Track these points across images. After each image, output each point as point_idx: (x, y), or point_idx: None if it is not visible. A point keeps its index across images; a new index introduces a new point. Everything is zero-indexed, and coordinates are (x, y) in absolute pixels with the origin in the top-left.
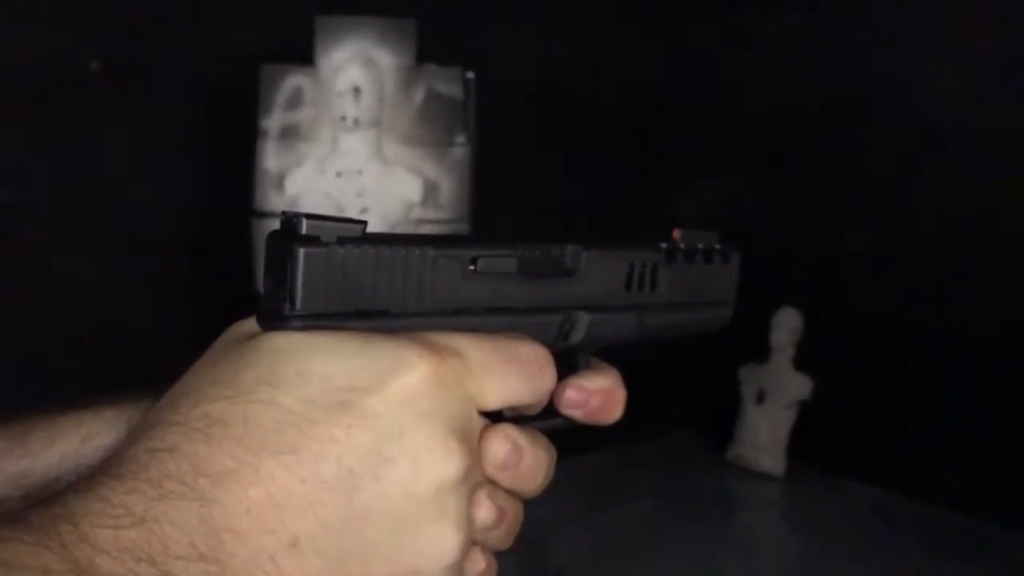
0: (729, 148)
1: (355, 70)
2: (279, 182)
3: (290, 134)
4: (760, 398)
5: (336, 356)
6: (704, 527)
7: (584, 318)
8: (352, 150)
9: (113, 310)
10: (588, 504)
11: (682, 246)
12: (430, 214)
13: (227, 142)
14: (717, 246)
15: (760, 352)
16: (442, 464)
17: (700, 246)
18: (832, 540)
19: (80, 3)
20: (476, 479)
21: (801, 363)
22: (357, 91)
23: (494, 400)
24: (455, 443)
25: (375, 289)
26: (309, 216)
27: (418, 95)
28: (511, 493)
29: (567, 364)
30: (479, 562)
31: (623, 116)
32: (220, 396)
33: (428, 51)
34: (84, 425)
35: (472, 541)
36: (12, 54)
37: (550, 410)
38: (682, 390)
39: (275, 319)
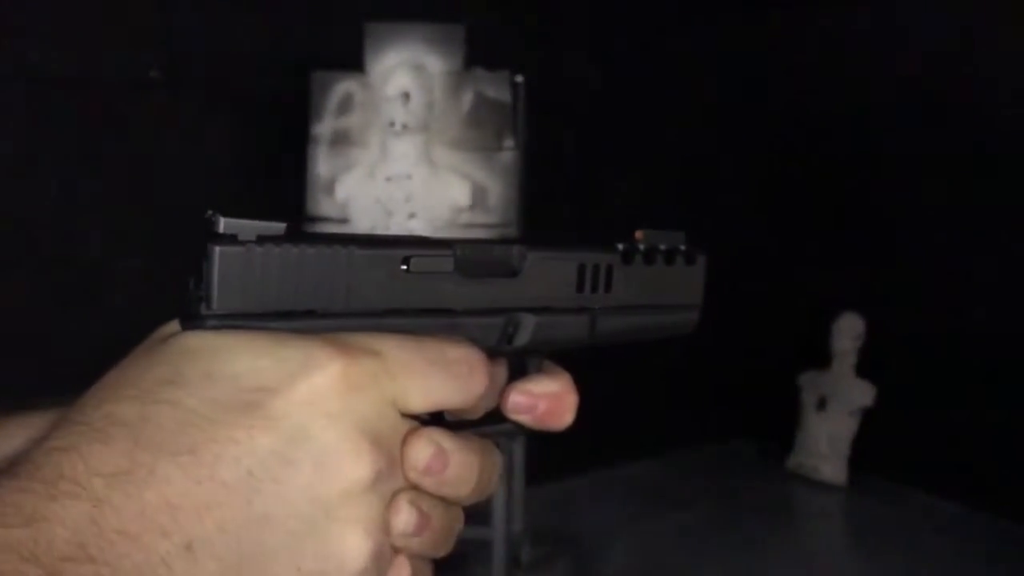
0: (786, 151)
1: (404, 76)
2: (330, 187)
3: (340, 140)
4: (821, 405)
5: (245, 356)
6: (762, 537)
7: (530, 320)
8: (401, 155)
9: (170, 313)
10: (642, 511)
11: (642, 247)
12: (479, 218)
13: (279, 147)
14: (682, 247)
15: (821, 358)
16: (349, 467)
17: (662, 247)
18: (895, 553)
19: (141, 16)
20: (395, 484)
21: (863, 369)
22: (406, 96)
23: (418, 402)
24: (365, 445)
25: (298, 289)
26: (228, 213)
27: (467, 100)
28: (441, 499)
29: (518, 368)
30: (403, 569)
31: (675, 118)
32: (124, 396)
33: (477, 56)
34: (31, 427)
35: (394, 548)
36: (78, 62)
37: (499, 415)
38: (741, 397)
39: (192, 319)
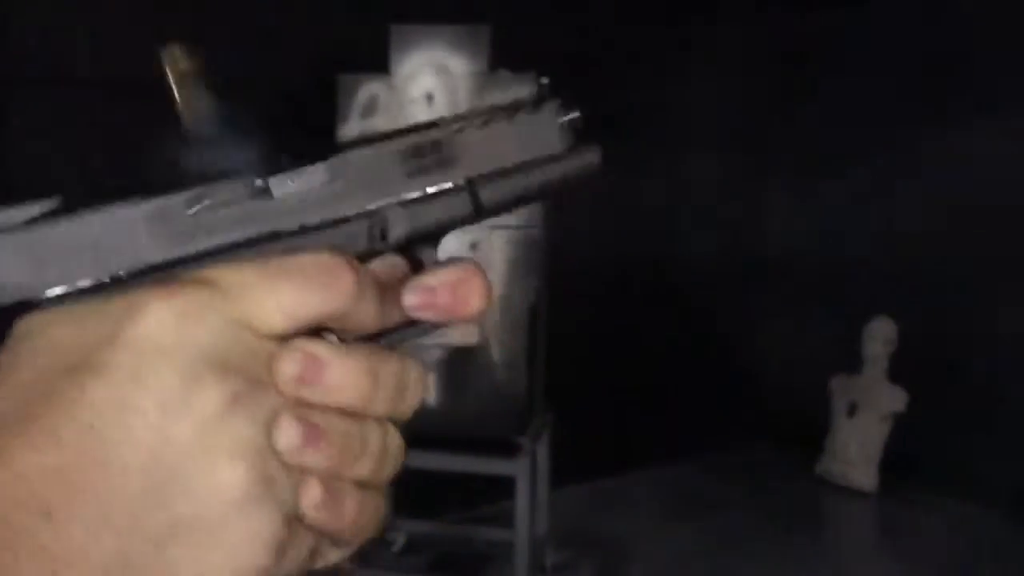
0: (821, 153)
1: (428, 77)
2: None
3: None
4: (852, 411)
5: (67, 323)
6: (790, 542)
7: (399, 212)
8: None
9: None
10: (669, 515)
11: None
12: (502, 220)
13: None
14: (527, 98)
15: (852, 363)
16: (196, 398)
17: (499, 104)
18: (925, 560)
19: (166, 16)
20: (271, 404)
21: (895, 375)
22: (430, 98)
23: (274, 319)
24: (208, 373)
25: (85, 261)
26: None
27: (491, 101)
28: (339, 411)
29: (415, 265)
30: (311, 490)
31: (705, 117)
32: None
33: (502, 57)
34: None
35: (295, 470)
36: (103, 63)
37: (407, 321)
38: (770, 401)
39: (31, 307)
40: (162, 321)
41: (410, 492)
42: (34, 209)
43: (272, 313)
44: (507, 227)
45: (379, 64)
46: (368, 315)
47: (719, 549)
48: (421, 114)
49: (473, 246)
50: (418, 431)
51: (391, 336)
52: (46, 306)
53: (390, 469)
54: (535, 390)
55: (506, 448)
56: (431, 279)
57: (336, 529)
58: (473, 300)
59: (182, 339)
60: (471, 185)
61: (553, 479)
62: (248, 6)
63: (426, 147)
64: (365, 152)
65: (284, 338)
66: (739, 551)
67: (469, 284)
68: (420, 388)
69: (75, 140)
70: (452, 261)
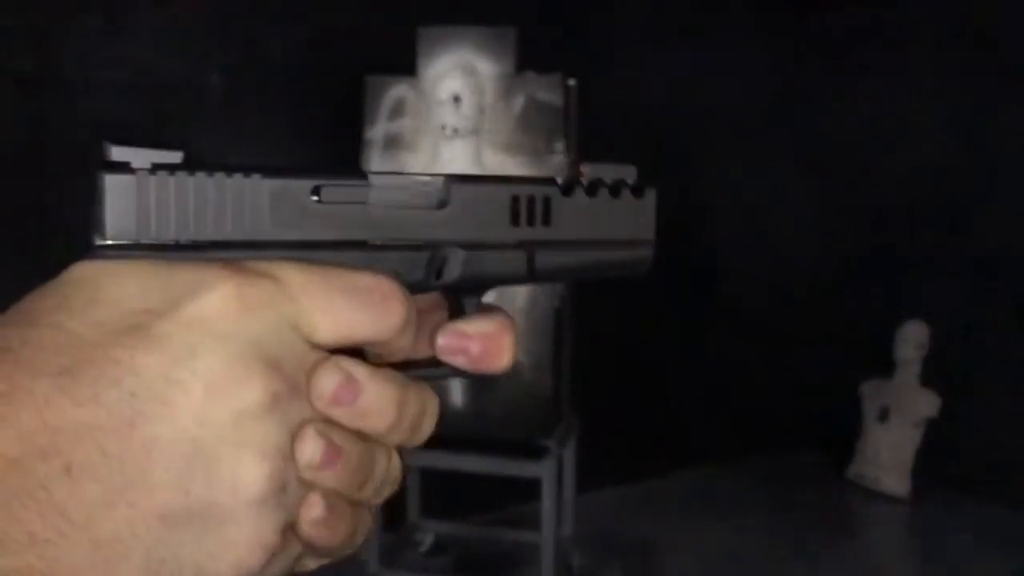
0: (853, 159)
1: (455, 79)
2: None
3: (393, 144)
4: (883, 415)
5: (132, 280)
6: (820, 547)
7: (458, 254)
8: (452, 159)
9: None
10: (697, 519)
11: (584, 181)
12: None
13: (334, 152)
14: (629, 181)
15: (884, 367)
16: (241, 388)
17: (607, 180)
18: (959, 567)
19: (203, 24)
20: (301, 412)
21: (928, 379)
22: (457, 100)
23: (324, 330)
24: (259, 367)
25: (197, 219)
26: (118, 141)
27: (517, 103)
28: (359, 434)
29: (456, 308)
30: (315, 506)
31: (735, 119)
32: (10, 322)
33: (529, 59)
34: None
35: (305, 483)
36: (144, 67)
37: (436, 358)
38: (801, 405)
39: (88, 250)
40: (227, 305)
41: (438, 493)
42: (159, 155)
43: (326, 325)
44: None
45: (406, 66)
46: (404, 347)
47: (747, 553)
48: (448, 116)
49: None
50: (445, 432)
51: (414, 368)
52: (106, 253)
53: (387, 493)
54: (561, 393)
55: (532, 450)
56: (468, 327)
57: (326, 545)
58: (502, 356)
59: (241, 327)
60: (530, 247)
61: (580, 482)
62: (273, 5)
63: (536, 201)
64: (476, 186)
65: (328, 350)
66: (767, 555)
67: (501, 340)
68: (433, 424)
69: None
70: (490, 311)
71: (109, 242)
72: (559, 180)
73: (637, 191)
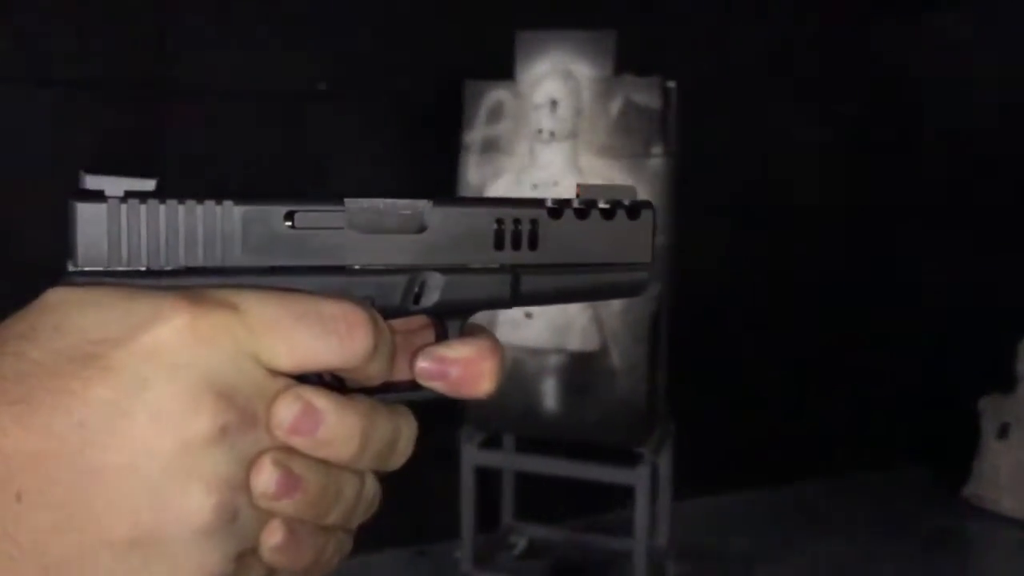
0: (967, 167)
1: (553, 83)
2: (479, 194)
3: (490, 147)
4: (1003, 432)
5: (95, 309)
6: (930, 568)
7: (437, 278)
8: (548, 162)
9: None
10: (800, 534)
11: (576, 203)
12: None
13: (434, 156)
14: (626, 202)
15: (1004, 382)
16: (188, 420)
17: (600, 202)
18: None
19: (310, 32)
20: (258, 442)
21: None
22: (554, 104)
23: (284, 360)
24: (208, 398)
25: (170, 247)
26: (91, 170)
27: (615, 106)
28: (323, 462)
29: (441, 331)
30: (274, 534)
31: (845, 120)
32: None
33: (628, 62)
34: None
35: (262, 511)
36: (255, 75)
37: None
38: (915, 420)
39: (62, 276)
40: (181, 336)
41: (532, 496)
42: (132, 184)
43: (284, 354)
44: None
45: (505, 70)
46: (376, 373)
47: (850, 571)
48: (544, 120)
49: None
50: (538, 436)
51: (393, 392)
52: (77, 280)
53: (361, 516)
54: (656, 399)
55: (627, 457)
56: (447, 351)
57: (292, 569)
58: (483, 382)
59: (194, 359)
60: (515, 271)
61: (677, 491)
62: (375, 13)
63: (522, 224)
64: (458, 210)
65: (296, 377)
66: (872, 574)
67: (481, 365)
68: (410, 448)
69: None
70: (473, 335)
71: (81, 269)
72: (549, 202)
73: (633, 213)
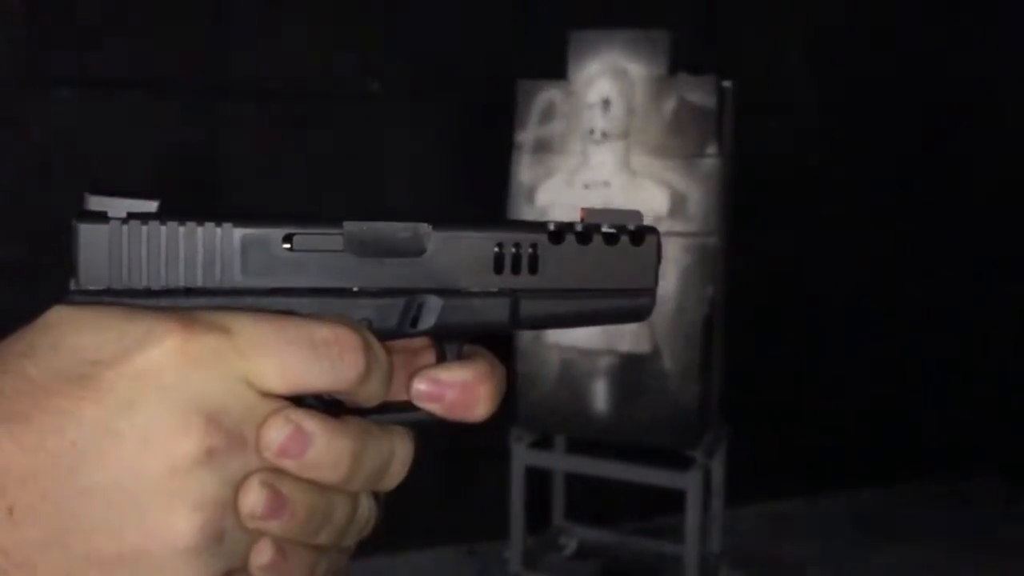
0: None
1: (605, 82)
2: (531, 194)
3: (542, 147)
4: None
5: (91, 329)
6: None
7: (435, 302)
8: (600, 162)
9: None
10: (860, 543)
11: (579, 227)
12: (678, 226)
13: (487, 155)
14: (631, 227)
15: None
16: (175, 442)
17: (603, 227)
18: None
19: (363, 31)
20: (245, 463)
21: None
22: (606, 103)
23: (275, 383)
24: (196, 421)
25: (170, 266)
26: (97, 191)
27: (669, 106)
28: (312, 483)
29: (440, 353)
30: (262, 553)
31: (902, 120)
32: None
33: (683, 61)
34: None
35: (250, 531)
36: (309, 75)
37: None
38: (989, 426)
39: (65, 295)
40: (171, 359)
41: (584, 498)
42: (135, 205)
43: (275, 377)
44: (683, 234)
45: (558, 70)
46: (370, 395)
47: None
48: (597, 119)
49: None
50: (589, 437)
51: (389, 412)
52: (78, 299)
53: (354, 537)
54: (709, 402)
55: (679, 460)
56: (444, 374)
57: None
58: (478, 406)
59: (183, 382)
60: (514, 295)
61: (731, 497)
62: (428, 13)
63: (522, 249)
64: (458, 234)
65: (285, 397)
66: None
67: (477, 389)
68: (406, 467)
69: (287, 149)
70: (471, 358)
71: (82, 288)
72: (550, 227)
73: (636, 238)
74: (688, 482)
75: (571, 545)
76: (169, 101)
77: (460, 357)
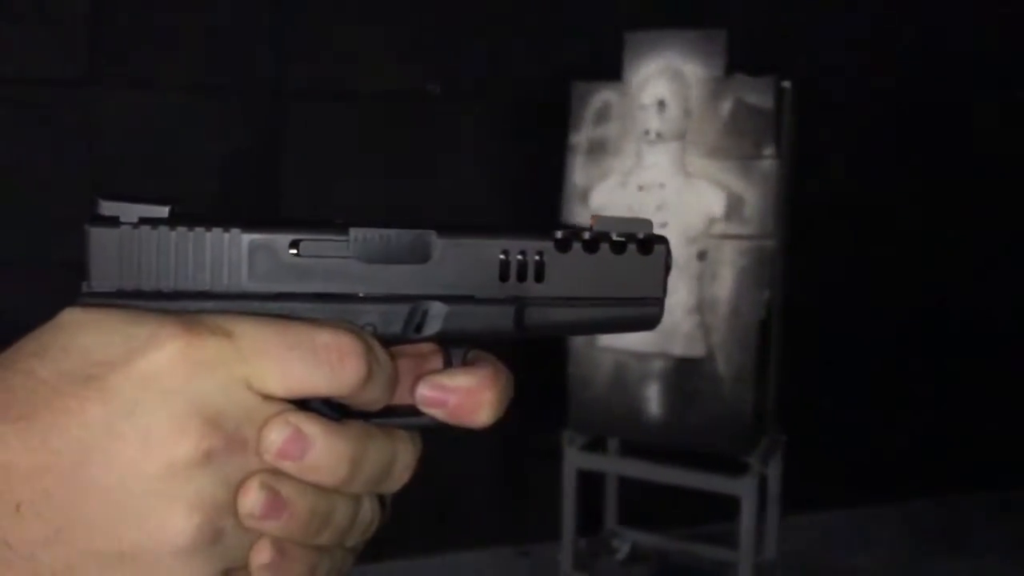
0: None
1: (661, 83)
2: (585, 196)
3: (597, 149)
4: None
5: (99, 331)
6: None
7: (439, 308)
8: (654, 164)
9: None
10: (919, 554)
11: (587, 235)
12: (733, 229)
13: (541, 157)
14: (639, 235)
15: None
16: (174, 444)
17: (612, 235)
18: None
19: (421, 34)
20: (246, 466)
21: None
22: (662, 104)
23: (275, 386)
24: (194, 423)
25: (180, 270)
26: (108, 196)
27: (725, 107)
28: (312, 486)
29: (446, 358)
30: (261, 553)
31: (964, 121)
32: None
33: (740, 61)
34: None
35: (250, 531)
36: (367, 77)
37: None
38: None
39: (77, 297)
40: (173, 363)
41: (637, 501)
42: (146, 210)
43: (277, 381)
44: (739, 237)
45: (614, 71)
46: (372, 399)
47: None
48: (652, 120)
49: (701, 255)
50: (642, 441)
51: (394, 416)
52: (89, 301)
53: (357, 537)
54: (765, 408)
55: (734, 466)
56: (448, 379)
57: None
58: (481, 412)
59: (185, 385)
60: (519, 302)
61: (788, 505)
62: (485, 15)
63: (528, 256)
64: (463, 241)
65: (286, 400)
66: None
67: (481, 396)
68: (409, 471)
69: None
70: (476, 364)
71: (93, 291)
72: (557, 235)
73: (645, 247)
74: (743, 488)
75: (624, 549)
76: (232, 105)
77: (466, 363)
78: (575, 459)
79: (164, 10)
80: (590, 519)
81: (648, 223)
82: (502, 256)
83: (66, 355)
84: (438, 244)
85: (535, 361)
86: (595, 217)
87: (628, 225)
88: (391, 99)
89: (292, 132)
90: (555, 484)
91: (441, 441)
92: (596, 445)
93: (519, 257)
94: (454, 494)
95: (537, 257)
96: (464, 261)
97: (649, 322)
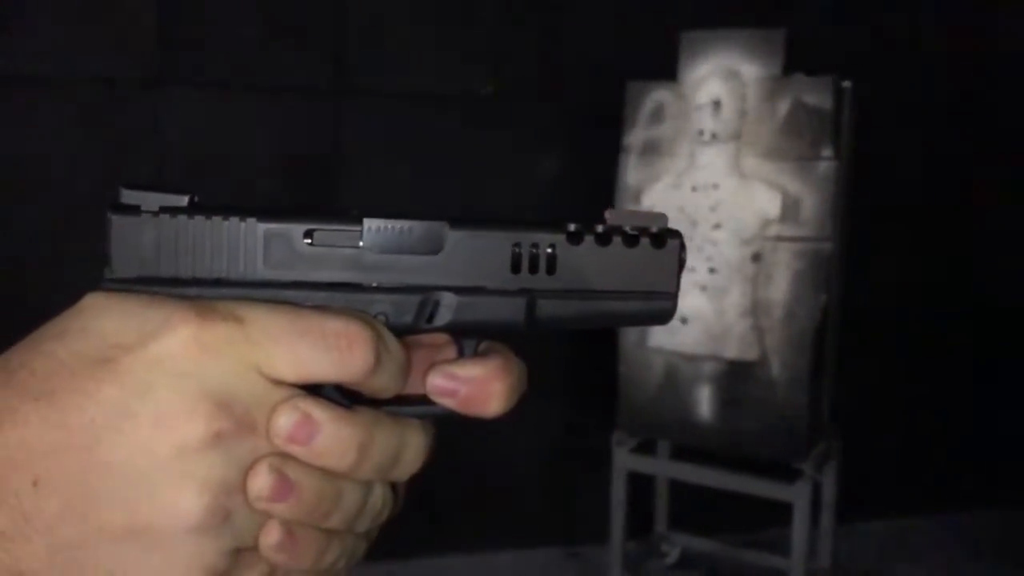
0: None
1: (716, 83)
2: (637, 197)
3: (651, 149)
4: None
5: (116, 315)
6: None
7: (450, 299)
8: (708, 164)
9: None
10: (972, 565)
11: (599, 228)
12: (789, 231)
13: (595, 156)
14: (653, 229)
15: None
16: (185, 425)
17: (626, 228)
18: None
19: (475, 35)
20: (255, 448)
21: None
22: (717, 105)
23: (285, 371)
24: (205, 406)
25: (198, 258)
26: (130, 186)
27: (783, 107)
28: (320, 470)
29: (459, 348)
30: (271, 533)
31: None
32: (24, 345)
33: (799, 61)
34: None
35: (260, 512)
36: (421, 77)
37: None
38: None
39: (100, 283)
40: (186, 347)
41: (688, 506)
42: (167, 199)
43: (285, 366)
44: (794, 239)
45: (668, 71)
46: (382, 387)
47: None
48: (706, 121)
49: (756, 257)
50: (692, 444)
51: (405, 405)
52: (111, 287)
53: (367, 523)
54: (819, 414)
55: (787, 472)
56: (460, 369)
57: (295, 568)
58: (491, 402)
59: (197, 368)
60: (530, 295)
61: (842, 513)
62: (538, 15)
63: (540, 249)
64: (475, 233)
65: (297, 386)
66: None
67: (492, 386)
68: (418, 459)
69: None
70: (488, 355)
71: (115, 276)
72: (570, 227)
73: (658, 241)
74: (795, 495)
75: (674, 553)
76: (295, 104)
77: (478, 353)
78: (625, 461)
79: (228, 12)
80: (640, 522)
81: (664, 218)
82: (514, 248)
83: (85, 337)
84: (450, 236)
85: (586, 361)
86: (608, 211)
87: (642, 219)
88: (445, 100)
89: (348, 133)
90: (605, 485)
91: (494, 439)
92: (647, 447)
93: (531, 249)
94: (504, 493)
95: (549, 249)
96: (476, 253)
97: (661, 316)
